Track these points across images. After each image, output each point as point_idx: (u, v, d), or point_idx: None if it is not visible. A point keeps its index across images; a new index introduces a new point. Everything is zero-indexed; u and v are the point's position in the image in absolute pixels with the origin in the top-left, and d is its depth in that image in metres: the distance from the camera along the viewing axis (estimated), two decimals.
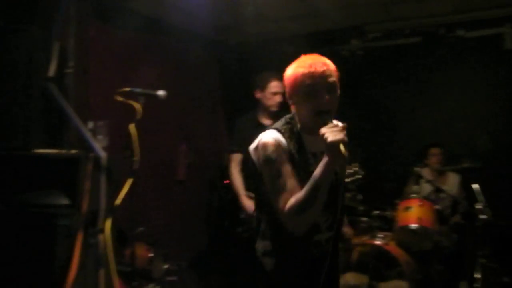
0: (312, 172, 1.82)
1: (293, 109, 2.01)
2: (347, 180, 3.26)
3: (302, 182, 1.85)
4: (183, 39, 4.77)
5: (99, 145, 2.21)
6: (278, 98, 3.67)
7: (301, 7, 4.32)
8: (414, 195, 3.97)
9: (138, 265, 3.20)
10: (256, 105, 3.82)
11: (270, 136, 1.92)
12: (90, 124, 3.09)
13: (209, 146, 5.23)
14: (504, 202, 4.16)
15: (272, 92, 3.67)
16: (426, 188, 4.20)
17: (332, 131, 1.71)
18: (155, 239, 3.77)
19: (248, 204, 3.61)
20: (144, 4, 4.05)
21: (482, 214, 3.71)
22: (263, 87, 3.70)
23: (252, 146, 2.00)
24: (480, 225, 3.74)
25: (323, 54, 1.92)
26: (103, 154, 2.17)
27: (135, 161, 2.31)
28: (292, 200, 1.81)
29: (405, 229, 3.84)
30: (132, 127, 2.31)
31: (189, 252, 4.71)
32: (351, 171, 3.27)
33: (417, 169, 3.95)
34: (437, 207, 3.96)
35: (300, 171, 1.90)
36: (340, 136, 1.70)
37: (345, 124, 1.77)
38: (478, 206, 3.77)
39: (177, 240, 4.59)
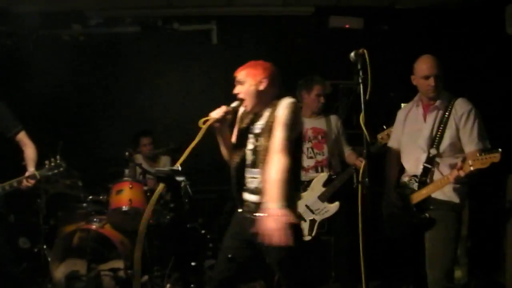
0: None
1: None
2: (49, 173, 3.30)
3: None
4: None
5: None
6: None
7: None
8: (125, 178, 4.18)
9: None
10: None
11: None
12: None
13: None
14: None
15: None
16: (138, 170, 4.46)
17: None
18: None
19: None
20: None
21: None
22: None
23: None
24: (187, 201, 4.22)
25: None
26: None
27: None
28: None
29: (117, 211, 4.02)
30: None
31: None
32: (53, 164, 3.31)
33: (126, 153, 4.15)
34: (146, 188, 4.25)
35: None
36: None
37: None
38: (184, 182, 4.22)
39: None
